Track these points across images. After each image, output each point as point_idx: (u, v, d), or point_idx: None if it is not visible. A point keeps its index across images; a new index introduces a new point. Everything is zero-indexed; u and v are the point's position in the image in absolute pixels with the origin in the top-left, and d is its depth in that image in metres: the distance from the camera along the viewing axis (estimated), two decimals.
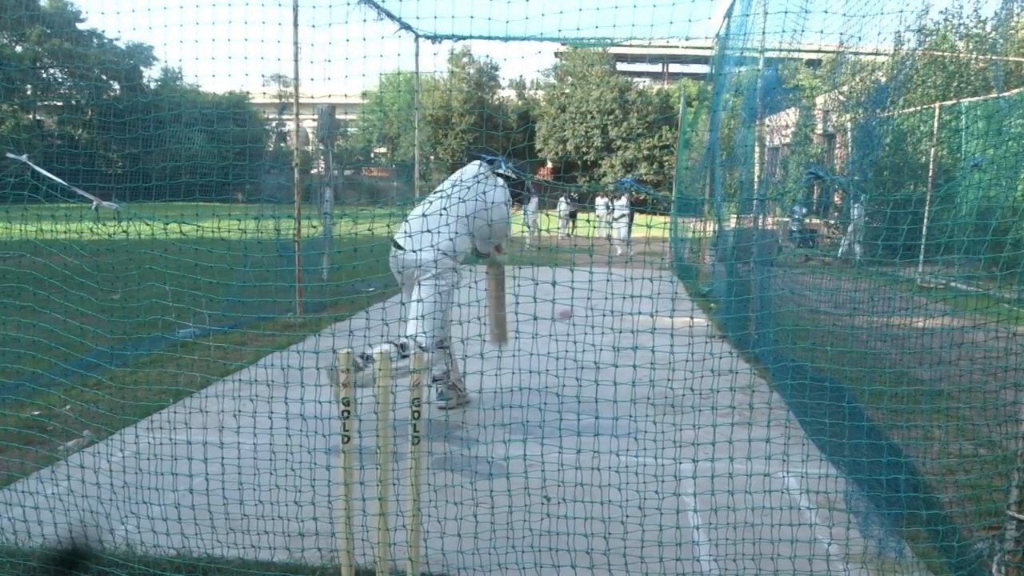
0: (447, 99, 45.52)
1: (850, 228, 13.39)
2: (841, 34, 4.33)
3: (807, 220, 14.10)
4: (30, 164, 3.28)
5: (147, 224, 3.38)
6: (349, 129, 48.51)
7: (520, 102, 48.27)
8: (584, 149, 44.42)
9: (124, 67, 38.29)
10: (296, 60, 7.43)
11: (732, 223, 8.04)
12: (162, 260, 2.97)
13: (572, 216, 20.89)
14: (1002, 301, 4.37)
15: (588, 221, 21.55)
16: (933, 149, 10.81)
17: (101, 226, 3.03)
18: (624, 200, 16.87)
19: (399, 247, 4.41)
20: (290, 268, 7.26)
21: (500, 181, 4.61)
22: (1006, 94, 9.89)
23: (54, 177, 3.27)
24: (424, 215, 4.32)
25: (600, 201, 20.00)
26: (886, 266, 6.07)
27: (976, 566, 2.51)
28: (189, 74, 44.30)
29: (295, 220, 7.35)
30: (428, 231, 4.22)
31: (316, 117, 10.58)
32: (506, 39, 8.65)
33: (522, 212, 18.02)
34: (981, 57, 15.31)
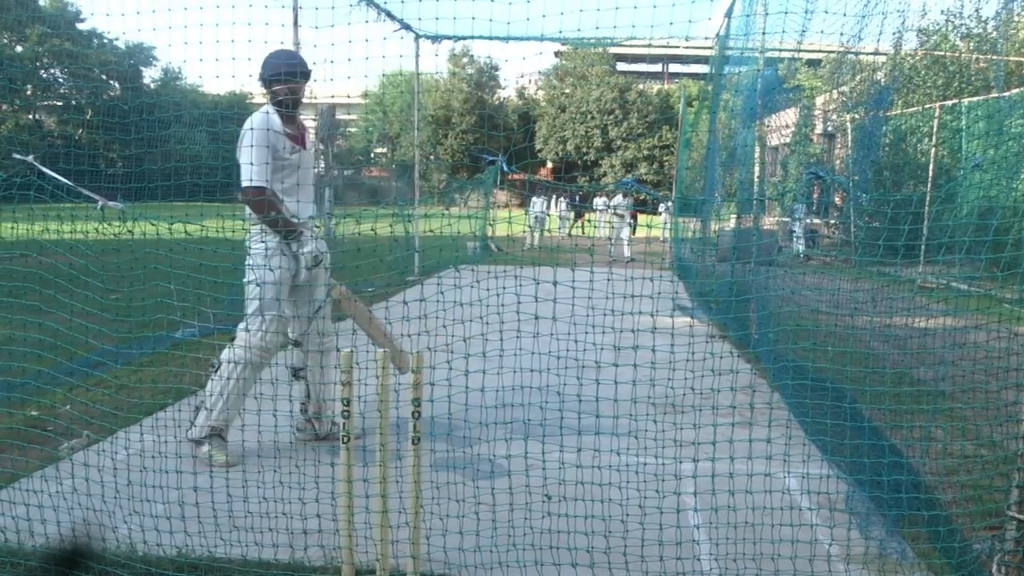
0: (447, 99, 45.55)
1: (797, 226, 13.38)
2: (842, 34, 4.34)
3: (807, 220, 14.10)
4: (36, 164, 3.28)
5: (152, 224, 3.39)
6: (349, 129, 48.57)
7: (520, 102, 48.29)
8: (584, 149, 44.43)
9: (124, 67, 38.31)
10: None
11: (731, 223, 8.05)
12: (166, 260, 2.98)
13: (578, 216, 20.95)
14: (1003, 301, 4.37)
15: (590, 221, 21.55)
16: (933, 149, 10.82)
17: (106, 226, 3.04)
18: (621, 199, 16.68)
19: None
20: None
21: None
22: (1006, 94, 9.90)
23: (60, 177, 3.27)
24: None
25: (599, 201, 20.01)
26: (886, 266, 6.08)
27: (976, 566, 2.52)
28: (190, 74, 44.42)
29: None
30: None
31: (316, 117, 10.59)
32: (506, 39, 8.66)
33: (525, 212, 18.04)
34: (981, 57, 15.31)
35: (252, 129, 3.64)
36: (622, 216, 15.88)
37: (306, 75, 3.85)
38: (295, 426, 4.06)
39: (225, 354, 3.76)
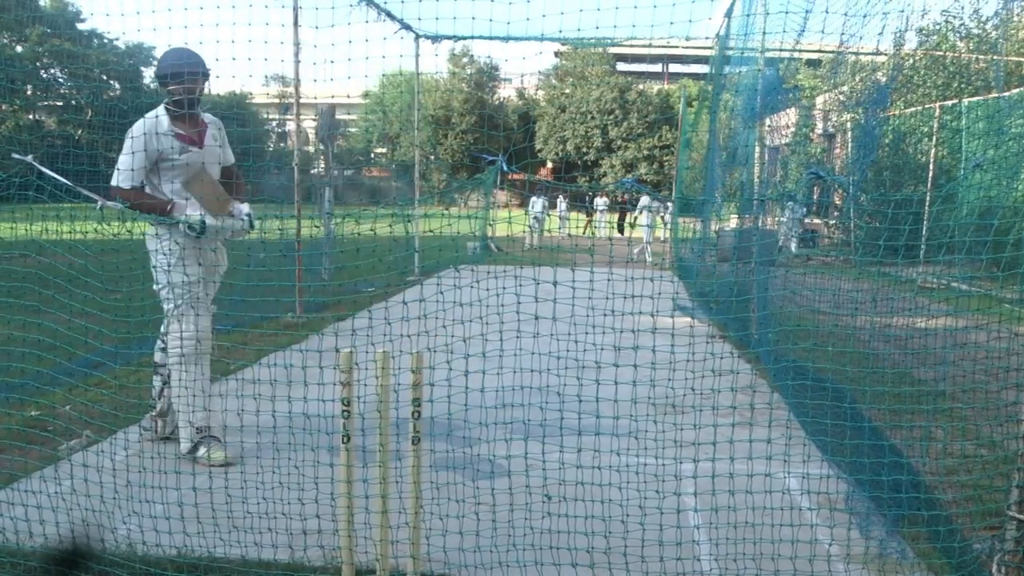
0: (447, 99, 45.55)
1: (784, 226, 13.33)
2: (842, 34, 4.33)
3: (808, 220, 14.10)
4: (36, 164, 3.29)
5: (151, 224, 3.38)
6: (349, 129, 48.56)
7: (520, 102, 48.29)
8: (584, 149, 44.44)
9: (124, 67, 38.30)
10: (296, 61, 7.44)
11: (732, 223, 8.05)
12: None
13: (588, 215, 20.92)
14: (1003, 301, 4.37)
15: (592, 222, 21.55)
16: (933, 149, 10.82)
17: (105, 226, 3.04)
18: (649, 201, 16.40)
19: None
20: (291, 268, 7.27)
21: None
22: (1006, 94, 9.90)
23: (59, 177, 3.27)
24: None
25: (600, 201, 19.99)
26: (886, 266, 6.08)
27: (976, 566, 2.52)
28: None
29: (295, 220, 7.36)
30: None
31: (316, 117, 10.59)
32: (506, 39, 8.66)
33: (525, 212, 18.05)
34: (982, 57, 15.31)
35: (132, 137, 3.60)
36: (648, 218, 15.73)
37: (204, 74, 3.76)
38: (141, 424, 4.04)
39: (169, 363, 3.80)
